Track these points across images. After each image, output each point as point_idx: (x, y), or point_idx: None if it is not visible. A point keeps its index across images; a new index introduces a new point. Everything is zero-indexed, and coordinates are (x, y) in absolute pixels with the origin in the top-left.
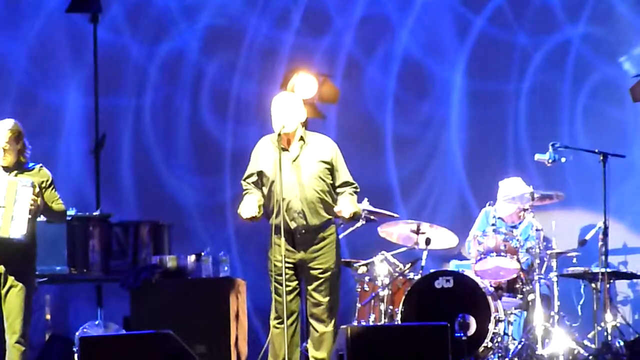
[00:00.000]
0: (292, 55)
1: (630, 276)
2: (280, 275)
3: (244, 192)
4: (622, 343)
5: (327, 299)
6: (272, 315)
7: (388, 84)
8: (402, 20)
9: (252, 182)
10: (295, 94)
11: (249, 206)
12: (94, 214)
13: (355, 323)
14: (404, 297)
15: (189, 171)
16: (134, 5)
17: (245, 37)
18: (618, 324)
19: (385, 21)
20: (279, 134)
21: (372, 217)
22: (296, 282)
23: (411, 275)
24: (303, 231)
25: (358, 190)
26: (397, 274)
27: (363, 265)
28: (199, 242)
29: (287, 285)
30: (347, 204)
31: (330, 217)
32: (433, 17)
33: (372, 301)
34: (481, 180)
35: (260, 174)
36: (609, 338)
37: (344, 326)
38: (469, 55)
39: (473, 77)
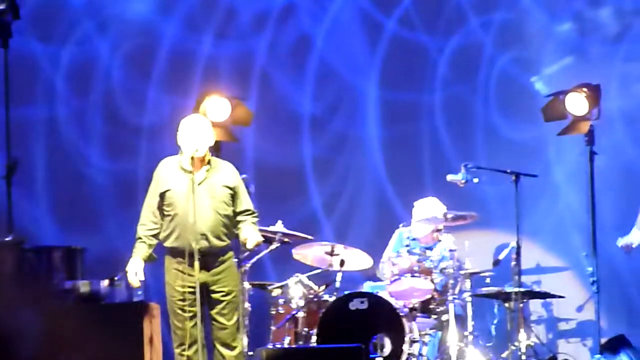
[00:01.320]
0: (205, 74)
1: (543, 295)
2: (181, 300)
3: (136, 236)
4: None
5: (232, 322)
6: (175, 343)
7: (303, 100)
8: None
9: (150, 214)
10: (207, 118)
11: (133, 277)
12: (7, 239)
13: (270, 346)
14: (319, 319)
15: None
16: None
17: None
18: (532, 344)
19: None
20: (192, 157)
21: (286, 239)
22: (198, 307)
23: (326, 297)
24: (205, 254)
25: (258, 218)
26: (311, 296)
27: (277, 287)
28: (114, 265)
29: (189, 311)
30: (252, 233)
31: (229, 242)
32: (346, 25)
33: (287, 323)
34: (396, 200)
35: (163, 195)
36: (523, 357)
37: (259, 349)
38: (381, 65)
39: (387, 87)
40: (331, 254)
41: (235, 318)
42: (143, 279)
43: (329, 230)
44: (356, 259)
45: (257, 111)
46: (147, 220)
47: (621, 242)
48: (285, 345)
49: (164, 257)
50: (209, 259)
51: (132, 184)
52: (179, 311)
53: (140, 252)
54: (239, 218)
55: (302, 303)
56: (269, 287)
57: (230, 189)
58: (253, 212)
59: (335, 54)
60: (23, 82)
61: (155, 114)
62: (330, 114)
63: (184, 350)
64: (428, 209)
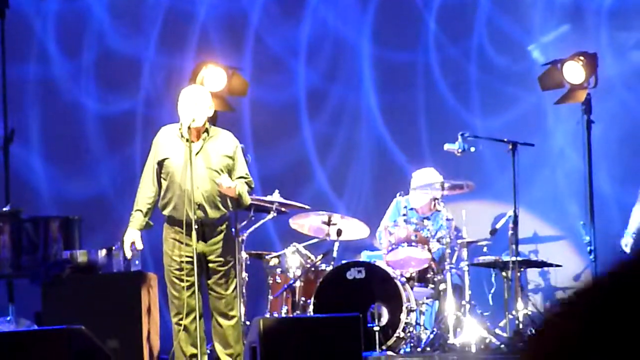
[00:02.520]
0: (200, 47)
1: (540, 264)
2: (178, 270)
3: (134, 203)
4: (533, 331)
5: (228, 291)
6: (172, 312)
7: (298, 67)
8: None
9: (149, 181)
10: (205, 87)
11: (129, 248)
12: (4, 209)
13: (267, 315)
14: (316, 289)
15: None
16: None
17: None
18: (529, 312)
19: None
20: (189, 127)
21: (283, 209)
22: (195, 276)
23: (323, 266)
24: (201, 224)
25: (252, 185)
26: (309, 266)
27: (274, 257)
28: (111, 235)
29: (187, 281)
30: (227, 178)
31: (226, 211)
32: None
33: (284, 293)
34: (393, 170)
35: (161, 163)
36: (521, 326)
37: (256, 318)
38: (376, 25)
39: (383, 48)
40: (328, 223)
41: (232, 287)
42: (141, 247)
43: (327, 200)
44: (353, 229)
45: (252, 79)
46: (146, 188)
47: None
48: (283, 315)
49: (162, 226)
50: (206, 228)
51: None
52: (176, 280)
53: (136, 223)
54: None
55: (299, 273)
56: (266, 257)
57: (229, 157)
58: (247, 178)
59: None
60: (17, 42)
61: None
62: (326, 81)
63: (181, 319)
64: (426, 178)
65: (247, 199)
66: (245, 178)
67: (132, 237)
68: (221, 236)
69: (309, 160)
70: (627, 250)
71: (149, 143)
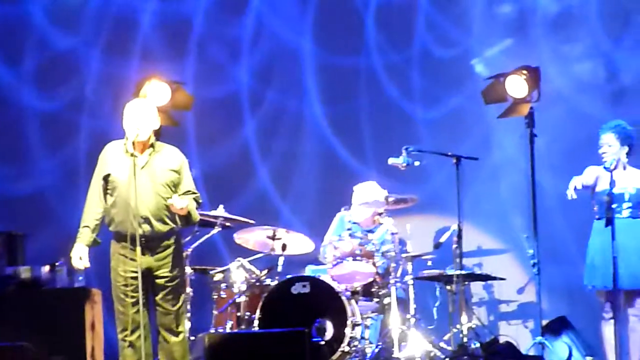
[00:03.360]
0: (143, 62)
1: (484, 278)
2: (125, 285)
3: (81, 220)
4: (478, 344)
5: (175, 307)
6: (118, 328)
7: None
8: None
9: (95, 197)
10: (150, 101)
11: (77, 262)
12: None
13: (212, 330)
14: (261, 303)
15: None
16: None
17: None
18: (474, 326)
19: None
20: (134, 142)
21: (227, 223)
22: (142, 292)
23: (268, 281)
24: (148, 238)
25: (200, 201)
26: (253, 280)
27: (219, 272)
28: (54, 251)
29: (132, 297)
30: (177, 199)
31: (174, 226)
32: None
33: (229, 308)
34: (338, 184)
35: (107, 178)
36: (465, 340)
37: (202, 334)
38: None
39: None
40: (273, 238)
41: (179, 303)
42: (88, 265)
43: (271, 215)
44: (298, 243)
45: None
46: (92, 204)
47: (574, 181)
48: (228, 330)
49: (109, 242)
50: (153, 243)
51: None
52: (123, 296)
53: (84, 238)
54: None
55: (244, 287)
56: (211, 272)
57: (175, 172)
58: (194, 193)
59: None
60: None
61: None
62: (270, 88)
63: (127, 335)
64: (368, 193)
65: (197, 216)
66: (193, 193)
67: (80, 252)
68: (169, 251)
69: (254, 170)
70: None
71: (91, 149)
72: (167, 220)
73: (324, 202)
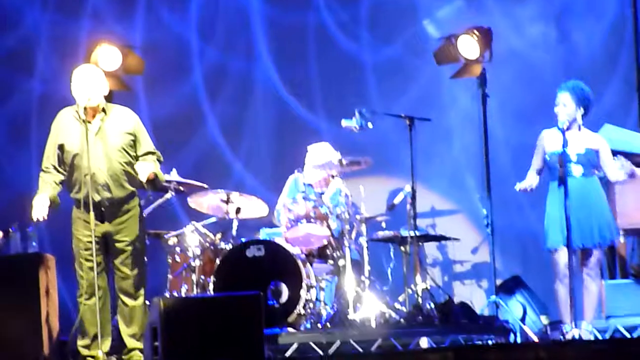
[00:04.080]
0: (94, 26)
1: (438, 238)
2: (86, 250)
3: (39, 182)
4: (432, 305)
5: (134, 271)
6: (79, 292)
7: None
8: None
9: (51, 165)
10: (98, 67)
11: (39, 209)
12: None
13: (167, 294)
14: (215, 267)
15: None
16: None
17: None
18: (428, 287)
19: None
20: (85, 107)
21: (181, 187)
22: (102, 256)
23: (222, 245)
24: (107, 204)
25: (161, 159)
26: (208, 244)
27: (173, 236)
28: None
29: (91, 261)
30: (145, 165)
31: (133, 189)
32: None
33: (184, 272)
34: (291, 146)
35: (62, 147)
36: (420, 300)
37: (156, 298)
38: None
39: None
40: (227, 201)
41: (138, 267)
42: (45, 216)
43: (224, 178)
44: (252, 206)
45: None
46: (49, 169)
47: (519, 186)
48: (183, 294)
49: (63, 208)
50: (112, 208)
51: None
52: (83, 260)
53: (46, 189)
54: (140, 159)
55: (198, 251)
56: (165, 236)
57: (130, 134)
58: (154, 153)
59: None
60: None
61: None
62: (220, 51)
63: (87, 299)
64: (321, 155)
65: (162, 178)
66: (154, 153)
67: (42, 201)
68: (128, 215)
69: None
70: (518, 186)
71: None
72: (126, 185)
73: (276, 163)
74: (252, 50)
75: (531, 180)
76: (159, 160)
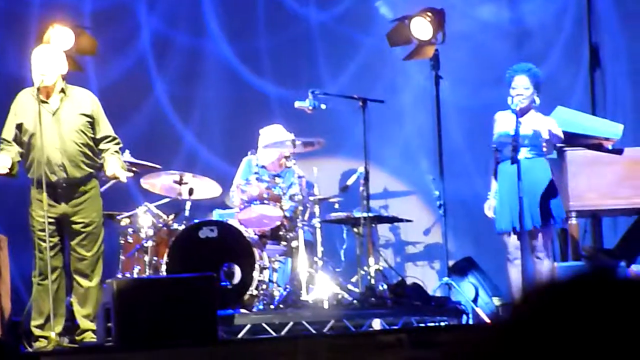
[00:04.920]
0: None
1: (391, 220)
2: (42, 230)
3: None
4: (385, 286)
5: (90, 253)
6: (35, 272)
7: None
8: None
9: (11, 139)
10: (54, 47)
11: (2, 162)
12: None
13: (119, 275)
14: (168, 248)
15: None
16: None
17: None
18: (381, 268)
19: None
20: (39, 87)
21: (134, 168)
22: (58, 237)
23: (175, 226)
24: (64, 184)
25: (121, 144)
26: (161, 225)
27: (126, 217)
28: None
29: (49, 241)
30: (119, 168)
31: (91, 170)
32: None
33: (136, 253)
34: (244, 128)
35: (20, 127)
36: (372, 282)
37: (109, 280)
38: None
39: None
40: (180, 182)
41: (95, 249)
42: (7, 170)
43: (178, 159)
44: (205, 188)
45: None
46: (9, 143)
47: (488, 211)
48: (135, 275)
49: (16, 187)
50: (69, 189)
51: None
52: (39, 241)
53: (8, 153)
54: (101, 146)
55: (151, 232)
56: (118, 217)
57: (88, 116)
58: (114, 138)
59: None
60: None
61: None
62: (174, 30)
63: (42, 279)
64: (274, 136)
65: (124, 173)
66: (113, 139)
67: (3, 161)
68: (86, 196)
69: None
70: (489, 213)
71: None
72: (83, 166)
73: (229, 146)
74: (201, 22)
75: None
76: (119, 147)
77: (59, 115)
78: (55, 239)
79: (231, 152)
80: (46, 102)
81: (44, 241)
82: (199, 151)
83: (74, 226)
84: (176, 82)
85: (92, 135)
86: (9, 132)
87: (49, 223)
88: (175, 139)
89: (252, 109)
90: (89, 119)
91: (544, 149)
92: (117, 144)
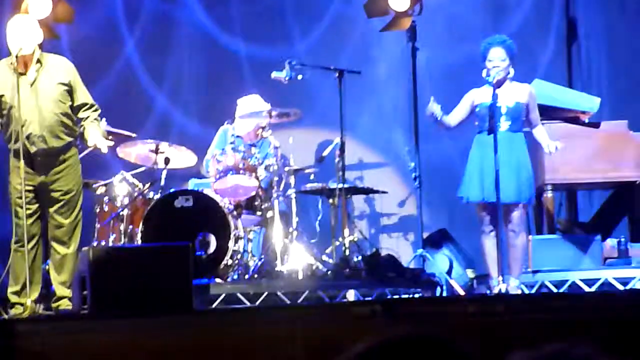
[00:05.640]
0: None
1: (366, 191)
2: (20, 198)
3: None
4: (359, 257)
5: (68, 220)
6: (13, 239)
7: None
8: None
9: None
10: (30, 16)
11: None
12: None
13: (95, 244)
14: (143, 217)
15: None
16: None
17: None
18: (355, 239)
19: None
20: (16, 57)
21: (110, 137)
22: (37, 205)
23: (151, 194)
24: (43, 155)
25: (99, 111)
26: (136, 194)
27: (102, 185)
28: None
29: (27, 209)
30: (100, 137)
31: (70, 139)
32: None
33: (112, 222)
34: (219, 98)
35: None
36: (347, 253)
37: (85, 248)
38: None
39: None
40: (156, 151)
41: (73, 217)
42: None
43: (153, 127)
44: (181, 157)
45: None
46: None
47: (431, 110)
48: (110, 244)
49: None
50: (48, 159)
51: None
52: (18, 209)
53: None
54: (80, 115)
55: (126, 201)
56: (94, 185)
57: (66, 85)
58: (92, 106)
59: None
60: None
61: None
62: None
63: (20, 246)
64: (250, 106)
65: (105, 134)
66: (91, 106)
67: None
68: (64, 165)
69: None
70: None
71: None
72: (62, 135)
73: (204, 117)
74: None
75: (448, 119)
76: (98, 115)
77: (37, 86)
78: (34, 207)
79: (206, 122)
80: (24, 74)
81: (22, 208)
82: (173, 120)
83: (52, 194)
84: (147, 39)
85: (70, 104)
86: None
87: (28, 191)
88: (148, 105)
89: (229, 79)
90: (67, 88)
91: (523, 120)
92: (96, 110)
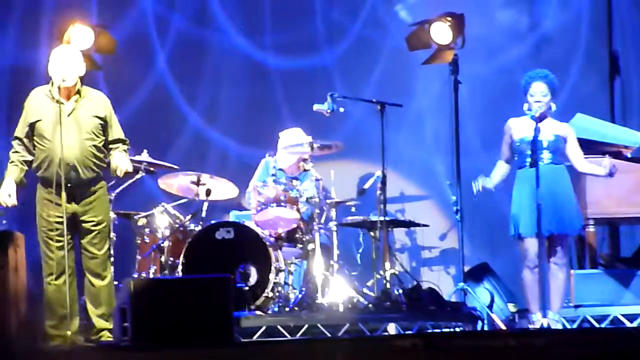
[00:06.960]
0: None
1: (407, 224)
2: (51, 230)
3: (9, 161)
4: (400, 290)
5: (102, 251)
6: (45, 272)
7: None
8: None
9: (23, 140)
10: (75, 47)
11: (8, 195)
12: None
13: (135, 275)
14: (184, 249)
15: None
16: None
17: None
18: (396, 272)
19: None
20: (59, 87)
21: (151, 168)
22: (69, 236)
23: (192, 226)
24: (75, 185)
25: (129, 147)
26: (177, 225)
27: (143, 217)
28: None
29: (59, 241)
30: (122, 160)
31: (99, 171)
32: None
33: (153, 253)
34: (261, 132)
35: (32, 126)
36: (388, 286)
37: (126, 279)
38: None
39: None
40: (197, 183)
41: (105, 248)
42: (16, 203)
43: (196, 160)
44: (222, 189)
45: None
46: (19, 148)
47: (482, 184)
48: (151, 275)
49: (34, 187)
50: (79, 189)
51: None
52: (49, 240)
53: (13, 174)
54: (111, 147)
55: (167, 233)
56: (135, 217)
57: (101, 119)
58: (125, 141)
59: None
60: None
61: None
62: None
63: (53, 279)
64: (292, 139)
65: (131, 168)
66: (123, 142)
67: (9, 188)
68: (95, 196)
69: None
70: (476, 187)
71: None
72: (94, 167)
73: (247, 150)
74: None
75: (501, 170)
76: (127, 149)
77: (74, 117)
78: (67, 238)
79: (248, 155)
80: (62, 103)
81: (57, 241)
82: (216, 153)
83: (84, 225)
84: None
85: (104, 138)
86: (22, 130)
87: (59, 222)
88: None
89: (270, 112)
90: (102, 122)
91: (563, 153)
92: (127, 145)
